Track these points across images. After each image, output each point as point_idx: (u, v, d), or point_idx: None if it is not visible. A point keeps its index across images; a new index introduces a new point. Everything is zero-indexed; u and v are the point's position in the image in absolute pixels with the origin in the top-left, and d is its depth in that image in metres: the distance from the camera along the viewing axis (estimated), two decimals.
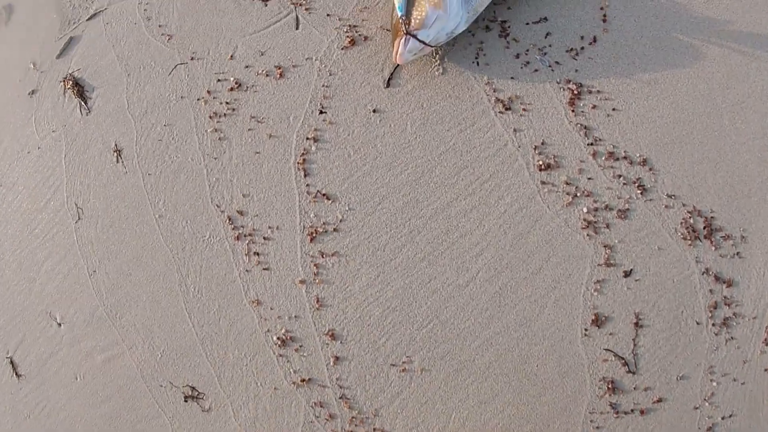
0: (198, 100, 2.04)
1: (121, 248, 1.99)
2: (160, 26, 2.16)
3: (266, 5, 2.10)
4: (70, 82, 2.14)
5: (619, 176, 1.86)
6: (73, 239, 2.03)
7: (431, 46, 1.78)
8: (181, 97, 2.05)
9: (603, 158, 1.87)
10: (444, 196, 1.86)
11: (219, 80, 2.04)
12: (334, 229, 1.89)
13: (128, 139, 2.05)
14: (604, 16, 2.01)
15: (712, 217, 1.82)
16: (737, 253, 1.79)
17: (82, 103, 2.14)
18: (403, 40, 1.75)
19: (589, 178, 1.86)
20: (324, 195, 1.91)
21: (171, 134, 2.03)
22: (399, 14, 1.77)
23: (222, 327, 1.92)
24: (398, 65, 1.91)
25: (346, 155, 1.91)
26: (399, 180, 1.88)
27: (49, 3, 2.44)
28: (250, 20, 2.10)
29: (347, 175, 1.91)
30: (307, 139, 1.94)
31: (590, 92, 1.91)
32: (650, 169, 1.86)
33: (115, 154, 2.05)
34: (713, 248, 1.80)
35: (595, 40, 1.96)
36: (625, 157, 1.87)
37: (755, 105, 1.88)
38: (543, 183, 1.86)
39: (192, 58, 2.08)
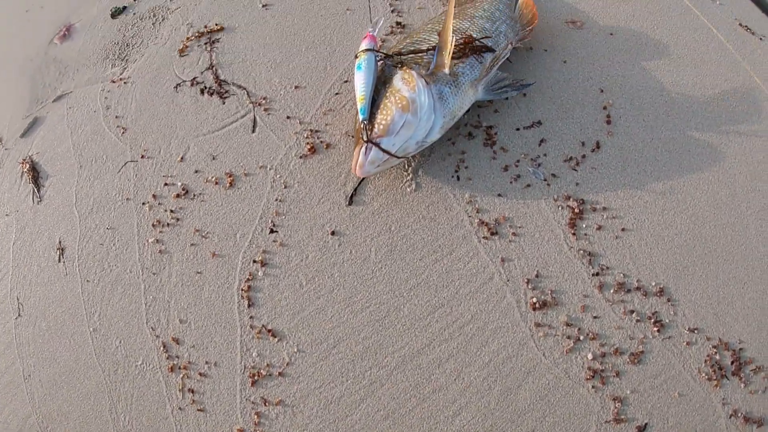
0: (143, 204, 1.81)
1: (56, 356, 1.74)
2: (117, 117, 1.99)
3: (224, 103, 1.90)
4: (28, 165, 2.01)
5: (632, 312, 1.51)
6: (12, 336, 1.80)
7: (398, 157, 1.51)
8: (127, 199, 1.84)
9: (611, 291, 1.52)
10: (414, 341, 1.53)
11: (166, 184, 1.82)
12: (280, 374, 1.57)
13: (72, 238, 1.84)
14: (608, 116, 1.73)
15: (740, 349, 1.46)
16: None
17: (35, 190, 1.98)
18: (363, 148, 1.49)
19: (595, 317, 1.51)
20: (269, 331, 1.60)
21: (113, 239, 1.80)
22: (361, 118, 1.52)
23: None
24: (363, 179, 1.65)
25: (297, 285, 1.62)
26: (359, 319, 1.57)
27: (24, 78, 2.38)
28: (205, 119, 1.89)
29: (297, 310, 1.60)
30: (254, 262, 1.66)
31: (594, 210, 1.60)
32: (668, 300, 1.51)
33: (58, 252, 1.83)
34: (742, 385, 1.41)
35: (598, 146, 1.68)
36: (638, 288, 1.52)
37: None
38: (538, 325, 1.51)
39: (143, 156, 1.88)
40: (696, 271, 1.53)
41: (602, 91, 1.77)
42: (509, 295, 1.53)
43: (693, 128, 1.69)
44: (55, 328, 1.76)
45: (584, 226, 1.59)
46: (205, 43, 2.05)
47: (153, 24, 2.23)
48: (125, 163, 1.89)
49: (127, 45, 2.23)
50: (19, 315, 1.81)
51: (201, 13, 2.16)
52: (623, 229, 1.58)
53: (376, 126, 1.50)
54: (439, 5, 1.96)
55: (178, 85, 2.00)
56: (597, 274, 1.54)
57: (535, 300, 1.52)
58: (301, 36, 1.96)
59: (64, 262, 1.81)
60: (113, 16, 2.33)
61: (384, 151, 1.48)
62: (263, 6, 2.08)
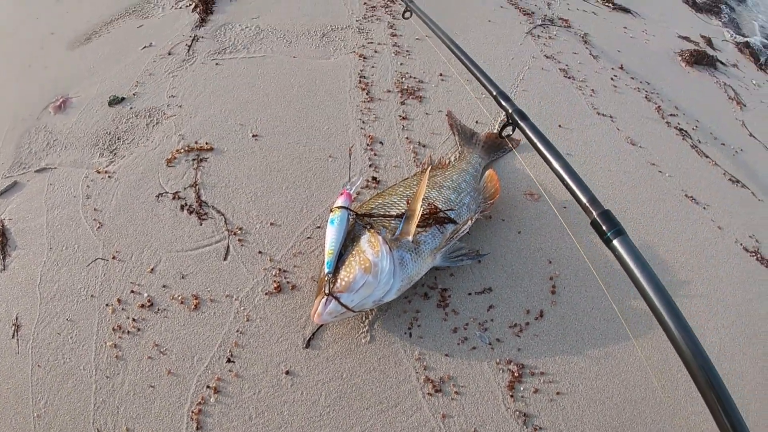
0: (107, 305, 1.89)
1: None
2: (95, 210, 2.10)
3: (201, 224, 2.05)
4: None
5: None
6: None
7: (353, 312, 1.68)
8: (92, 295, 1.91)
9: None
10: None
11: (133, 291, 1.91)
12: None
13: (29, 318, 1.88)
14: (553, 287, 1.95)
15: None
16: None
17: (1, 258, 2.04)
18: (324, 300, 1.64)
19: None
20: None
21: (71, 332, 1.85)
22: (326, 271, 1.69)
23: None
24: (321, 326, 1.80)
25: (246, 416, 1.70)
26: None
27: (13, 133, 2.49)
28: (181, 236, 2.02)
29: None
30: (208, 387, 1.74)
31: (533, 374, 1.78)
32: None
33: (14, 327, 1.86)
34: None
35: (542, 315, 1.88)
36: None
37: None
38: None
39: (114, 257, 1.98)
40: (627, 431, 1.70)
41: (550, 262, 2.01)
42: None
43: (631, 298, 1.93)
44: None
45: (522, 388, 1.76)
46: (193, 160, 2.24)
47: (147, 125, 2.42)
48: (95, 259, 1.98)
49: (119, 138, 2.39)
50: None
51: (194, 127, 2.36)
52: (558, 393, 1.75)
53: (338, 281, 1.67)
54: (412, 166, 2.22)
55: (161, 194, 2.15)
56: None
57: None
58: (283, 174, 2.17)
59: (17, 339, 1.85)
60: (110, 104, 2.50)
61: (342, 305, 1.63)
62: (253, 136, 2.30)
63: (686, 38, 3.47)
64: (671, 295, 1.19)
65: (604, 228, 1.32)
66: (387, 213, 1.83)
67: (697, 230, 2.32)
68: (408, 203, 1.85)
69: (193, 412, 1.71)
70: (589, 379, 1.79)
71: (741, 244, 2.34)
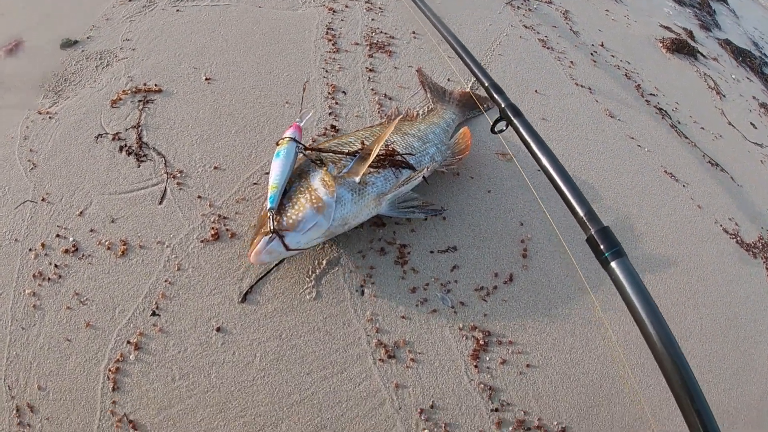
0: (30, 250, 1.57)
1: None
2: (31, 150, 1.80)
3: (139, 166, 1.74)
4: None
5: None
6: None
7: (289, 253, 1.39)
8: (16, 239, 1.59)
9: (510, 428, 1.40)
10: None
11: (58, 235, 1.59)
12: None
13: None
14: (525, 250, 1.69)
15: None
16: None
17: None
18: (267, 237, 1.36)
19: None
20: (131, 422, 1.35)
21: None
22: (269, 205, 1.40)
23: None
24: (262, 277, 1.49)
25: (169, 378, 1.39)
26: (231, 428, 1.35)
27: None
28: (116, 178, 1.71)
29: (165, 405, 1.37)
30: (128, 343, 1.43)
31: (500, 343, 1.50)
32: None
33: None
34: None
35: (511, 279, 1.61)
36: (538, 427, 1.41)
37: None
38: None
39: (43, 199, 1.67)
40: (601, 412, 1.45)
41: (522, 224, 1.74)
42: (399, 424, 1.37)
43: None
44: None
45: (488, 358, 1.48)
46: (140, 101, 1.93)
47: (96, 67, 2.10)
48: (24, 202, 1.67)
49: (65, 80, 2.08)
50: None
51: (145, 69, 2.05)
52: (528, 365, 1.49)
53: (285, 218, 1.38)
54: (376, 116, 1.94)
55: (100, 135, 1.84)
56: (496, 409, 1.42)
57: (426, 431, 1.36)
58: (234, 118, 1.87)
59: None
60: (62, 46, 2.19)
61: (284, 245, 1.35)
62: (206, 79, 2.00)
63: (668, 28, 3.28)
64: (645, 288, 1.06)
65: (601, 247, 1.12)
66: (339, 150, 1.54)
67: (677, 206, 2.09)
68: (362, 144, 1.57)
69: (110, 370, 1.42)
70: (562, 351, 1.54)
71: (721, 225, 2.12)
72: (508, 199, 1.79)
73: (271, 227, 1.37)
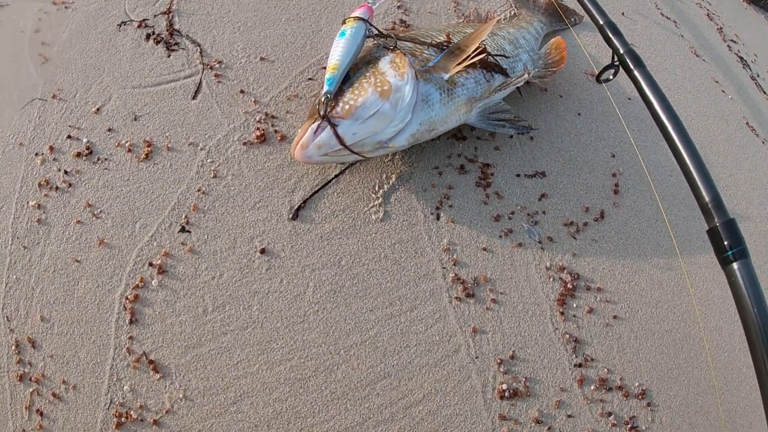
0: (36, 155, 1.24)
1: None
2: (43, 43, 1.43)
3: (169, 56, 1.36)
4: None
5: (609, 414, 1.11)
6: None
7: (350, 152, 1.04)
8: (21, 143, 1.26)
9: (592, 387, 1.12)
10: (344, 416, 1.02)
11: (69, 137, 1.25)
12: (155, 422, 1.02)
13: None
14: (616, 185, 1.36)
15: None
16: None
17: None
18: (315, 125, 1.01)
19: (569, 416, 1.09)
20: (151, 362, 1.05)
21: None
22: (325, 89, 1.05)
23: None
24: (318, 190, 1.15)
25: (200, 309, 1.08)
26: (275, 373, 1.05)
27: None
28: (141, 68, 1.35)
29: (194, 343, 1.06)
30: (150, 265, 1.11)
31: (588, 289, 1.20)
32: (648, 405, 1.14)
33: None
34: None
35: (602, 216, 1.29)
36: (620, 387, 1.14)
37: None
38: (503, 418, 1.06)
39: (54, 96, 1.32)
40: (680, 376, 1.19)
41: (614, 156, 1.40)
42: (475, 375, 1.08)
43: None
44: None
45: (575, 305, 1.18)
46: None
47: None
48: (32, 100, 1.32)
49: None
50: None
51: None
52: (615, 317, 1.19)
53: (341, 104, 1.03)
54: (452, 14, 1.54)
55: (123, 23, 1.45)
56: (580, 365, 1.13)
57: (505, 387, 1.07)
58: (285, 3, 1.47)
59: None
60: None
61: (338, 136, 1.00)
62: None
63: None
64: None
65: (725, 244, 0.91)
66: (421, 40, 1.17)
67: (757, 165, 1.75)
68: (448, 37, 1.20)
69: (127, 298, 1.11)
70: (649, 304, 1.24)
71: None
72: (599, 126, 1.44)
73: (322, 112, 1.01)
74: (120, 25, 1.45)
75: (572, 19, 1.63)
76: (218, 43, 1.37)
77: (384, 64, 1.08)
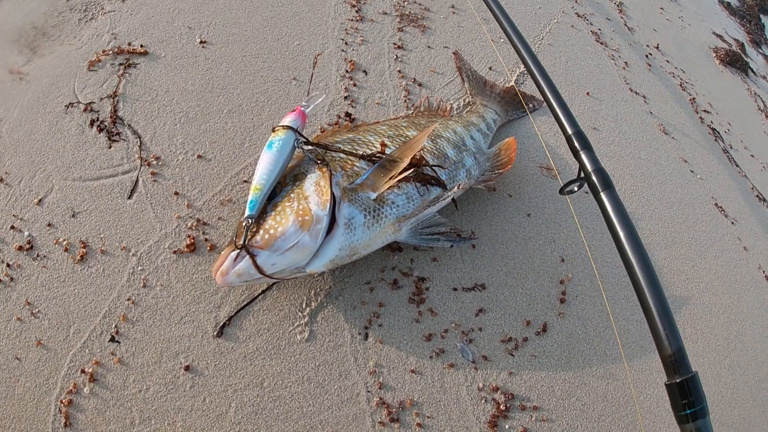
0: None
1: None
2: None
3: (110, 147, 1.35)
4: None
5: None
6: None
7: (268, 279, 1.03)
8: None
9: None
10: None
11: (13, 227, 1.23)
12: None
13: None
14: (563, 293, 1.33)
15: None
16: None
17: None
18: (234, 254, 1.01)
19: None
20: None
21: None
22: (247, 213, 1.03)
23: None
24: (244, 307, 1.13)
25: (128, 420, 1.06)
26: None
27: None
28: (82, 159, 1.33)
29: None
30: (83, 372, 1.10)
31: (524, 408, 1.17)
32: None
33: None
34: None
35: (545, 330, 1.26)
36: None
37: None
38: None
39: (1, 180, 1.29)
40: None
41: (563, 260, 1.38)
42: None
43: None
44: None
45: (507, 426, 1.15)
46: (121, 64, 1.51)
47: (79, 20, 1.68)
48: None
49: (44, 34, 1.66)
50: None
51: (133, 26, 1.61)
52: None
53: (261, 232, 1.02)
54: (401, 106, 1.51)
55: (71, 104, 1.43)
56: None
57: None
58: (228, 93, 1.46)
59: None
60: None
61: (257, 266, 0.99)
62: (200, 42, 1.56)
63: (720, 36, 2.81)
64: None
65: (683, 402, 0.82)
66: (353, 150, 1.14)
67: (724, 248, 1.73)
68: (383, 146, 1.17)
69: (62, 402, 1.11)
70: (591, 419, 1.22)
71: (764, 272, 1.76)
72: (549, 228, 1.41)
73: (243, 241, 0.99)
74: (67, 107, 1.43)
75: (530, 105, 1.60)
76: (158, 136, 1.35)
77: (309, 185, 1.06)
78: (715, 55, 2.58)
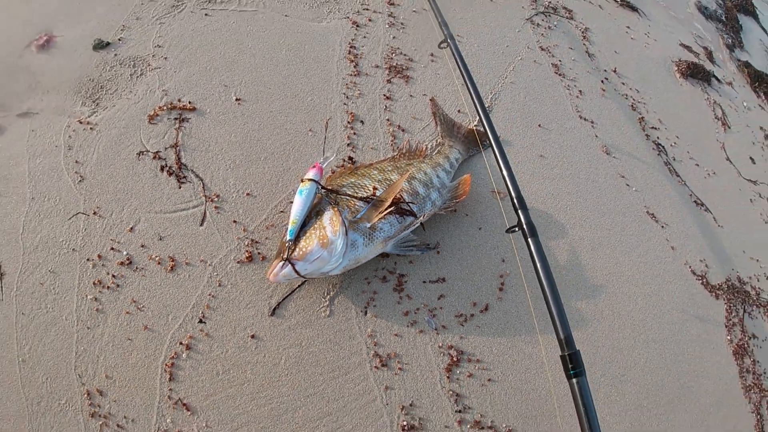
0: (87, 260, 2.32)
1: None
2: (77, 162, 2.49)
3: (180, 187, 2.47)
4: None
5: None
6: None
7: (303, 278, 2.17)
8: (73, 249, 2.34)
9: (468, 426, 2.24)
10: None
11: (112, 249, 2.34)
12: None
13: (13, 267, 2.30)
14: (502, 284, 2.48)
15: None
16: None
17: None
18: (281, 263, 2.12)
19: None
20: (184, 405, 2.18)
21: (53, 283, 2.29)
22: (288, 238, 2.17)
23: None
24: (288, 295, 2.29)
25: (214, 372, 2.21)
26: (261, 412, 2.19)
27: None
28: (160, 197, 2.45)
29: (211, 392, 2.19)
30: (181, 344, 2.23)
31: (469, 360, 2.33)
32: None
33: None
34: None
35: (486, 309, 2.41)
36: (491, 427, 2.25)
37: (632, 376, 2.37)
38: None
39: (95, 213, 2.39)
40: (541, 423, 2.29)
41: (504, 261, 2.53)
42: (386, 416, 2.21)
43: (575, 298, 2.48)
44: None
45: (458, 371, 2.31)
46: (175, 119, 2.63)
47: (131, 75, 2.77)
48: (76, 213, 2.40)
49: (101, 87, 2.74)
50: None
51: (178, 83, 2.73)
52: (489, 380, 2.31)
53: (297, 249, 2.14)
54: (389, 150, 2.67)
55: (141, 153, 2.54)
56: (460, 411, 2.25)
57: (405, 423, 2.20)
58: (263, 143, 2.60)
59: (2, 287, 2.27)
60: (95, 48, 2.82)
61: (296, 271, 2.12)
62: (236, 100, 2.69)
63: (688, 47, 3.92)
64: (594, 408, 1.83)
65: (570, 366, 1.86)
66: (354, 194, 2.29)
67: (650, 248, 2.87)
68: (374, 190, 2.32)
69: (166, 365, 2.19)
70: (518, 371, 2.35)
71: (690, 267, 2.91)
72: (495, 237, 2.57)
73: (285, 256, 2.13)
74: (139, 155, 2.54)
75: (485, 142, 2.74)
76: (216, 178, 2.49)
77: (326, 219, 2.19)
78: (676, 68, 3.68)
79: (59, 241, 2.35)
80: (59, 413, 2.15)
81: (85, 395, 2.16)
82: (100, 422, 2.12)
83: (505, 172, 2.27)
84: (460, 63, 2.56)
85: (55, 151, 2.52)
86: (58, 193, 2.43)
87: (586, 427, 1.78)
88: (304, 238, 2.16)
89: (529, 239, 2.14)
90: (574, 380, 1.84)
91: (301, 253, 2.13)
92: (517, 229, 2.21)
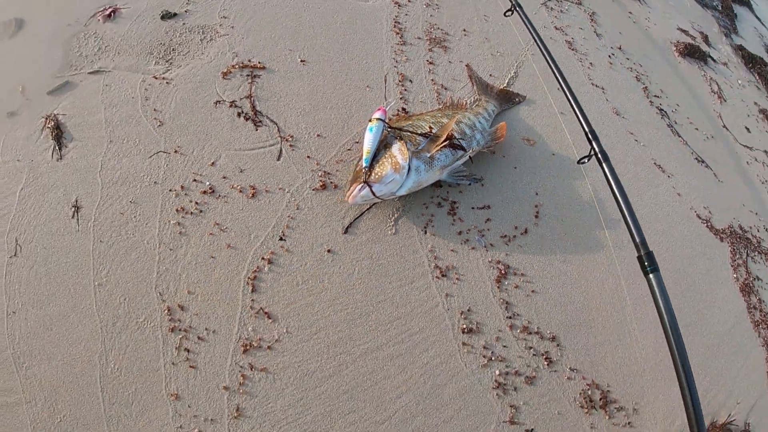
0: (170, 191, 2.75)
1: (49, 300, 2.48)
2: (155, 110, 2.95)
3: (257, 130, 2.98)
4: (52, 123, 2.83)
5: (530, 348, 2.68)
6: (2, 272, 2.52)
7: (378, 199, 2.65)
8: (155, 182, 2.77)
9: (518, 330, 2.72)
10: (375, 339, 2.63)
11: (195, 180, 2.81)
12: (269, 347, 2.58)
13: (90, 201, 2.69)
14: (537, 212, 3.01)
15: (608, 391, 2.64)
16: (629, 423, 2.59)
17: (57, 148, 2.80)
18: (360, 186, 2.60)
19: (504, 346, 2.69)
20: (266, 313, 2.63)
21: (134, 212, 2.69)
22: (364, 165, 2.68)
23: (133, 411, 2.41)
24: (359, 216, 2.81)
25: (294, 283, 2.68)
26: (338, 317, 2.65)
27: (60, 36, 3.17)
28: (238, 137, 2.95)
29: (291, 301, 2.65)
30: (263, 259, 2.70)
31: (515, 274, 2.84)
32: (558, 345, 2.70)
33: (73, 209, 2.66)
34: (607, 417, 2.61)
35: (526, 232, 2.94)
36: (537, 332, 2.71)
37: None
38: (464, 344, 2.66)
39: (176, 151, 2.85)
40: (581, 330, 2.76)
41: (537, 194, 3.07)
42: (447, 319, 2.70)
43: (597, 232, 3.02)
44: (55, 275, 2.51)
45: (506, 283, 2.81)
46: (247, 75, 3.15)
47: (201, 40, 3.29)
48: (157, 152, 2.85)
49: (173, 50, 3.22)
50: (15, 254, 2.57)
51: (247, 47, 3.26)
52: (533, 291, 2.81)
53: (373, 174, 2.63)
54: (435, 104, 3.24)
55: (218, 102, 3.05)
56: (510, 317, 2.74)
57: (464, 326, 2.68)
58: (327, 96, 3.13)
59: (78, 219, 2.65)
60: (163, 18, 3.33)
61: (373, 192, 2.60)
62: (301, 61, 3.24)
63: (685, 31, 4.61)
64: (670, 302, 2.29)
65: (645, 264, 2.16)
66: (414, 131, 2.84)
67: (659, 193, 3.44)
68: (430, 129, 2.87)
69: (249, 278, 2.64)
70: (557, 285, 2.84)
71: (695, 212, 3.48)
72: (528, 175, 3.11)
73: (364, 179, 2.65)
74: (216, 103, 3.06)
75: (517, 99, 3.33)
76: (289, 123, 3.01)
77: (395, 149, 2.71)
78: (675, 49, 4.36)
79: (140, 176, 2.75)
80: (136, 331, 2.43)
81: (165, 311, 2.48)
82: (180, 336, 2.45)
83: (576, 110, 2.80)
84: (529, 25, 3.16)
85: (132, 102, 2.94)
86: (138, 135, 2.85)
87: (664, 311, 2.07)
88: (378, 165, 2.67)
89: (603, 164, 2.53)
90: (651, 276, 2.11)
91: (377, 176, 2.63)
92: (587, 160, 2.60)
